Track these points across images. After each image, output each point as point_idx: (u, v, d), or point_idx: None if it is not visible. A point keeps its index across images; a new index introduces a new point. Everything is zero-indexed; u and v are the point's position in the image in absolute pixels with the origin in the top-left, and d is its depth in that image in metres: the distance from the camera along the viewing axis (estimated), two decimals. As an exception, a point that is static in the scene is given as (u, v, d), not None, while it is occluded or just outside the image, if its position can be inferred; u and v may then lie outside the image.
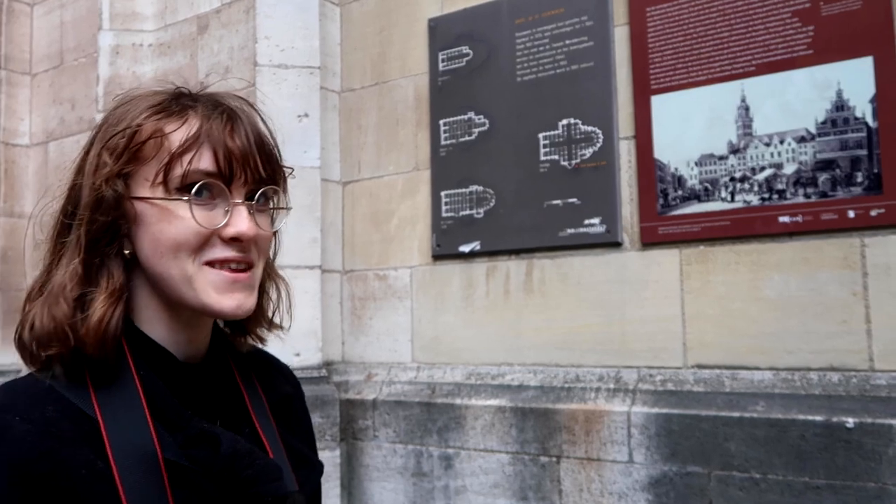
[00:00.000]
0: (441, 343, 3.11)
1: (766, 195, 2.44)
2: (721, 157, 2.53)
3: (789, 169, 2.41)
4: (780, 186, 2.42)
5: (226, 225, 0.82)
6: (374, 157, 3.37)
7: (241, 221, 0.83)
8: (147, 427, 0.78)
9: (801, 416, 2.25)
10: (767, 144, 2.45)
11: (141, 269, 0.85)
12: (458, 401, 2.90)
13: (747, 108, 2.49)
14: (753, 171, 2.47)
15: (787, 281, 2.40)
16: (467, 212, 3.05)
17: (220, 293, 0.83)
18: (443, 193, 3.12)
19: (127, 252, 0.83)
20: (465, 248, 3.04)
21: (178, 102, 0.85)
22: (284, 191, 0.93)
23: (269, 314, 0.98)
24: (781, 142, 2.43)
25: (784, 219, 2.40)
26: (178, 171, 0.81)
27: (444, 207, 3.11)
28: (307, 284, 3.14)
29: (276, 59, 3.25)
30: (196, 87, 0.90)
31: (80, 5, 4.20)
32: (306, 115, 3.26)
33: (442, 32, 3.19)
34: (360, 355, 3.33)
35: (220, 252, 0.83)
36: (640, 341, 2.64)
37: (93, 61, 3.89)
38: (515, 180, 2.93)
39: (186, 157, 0.81)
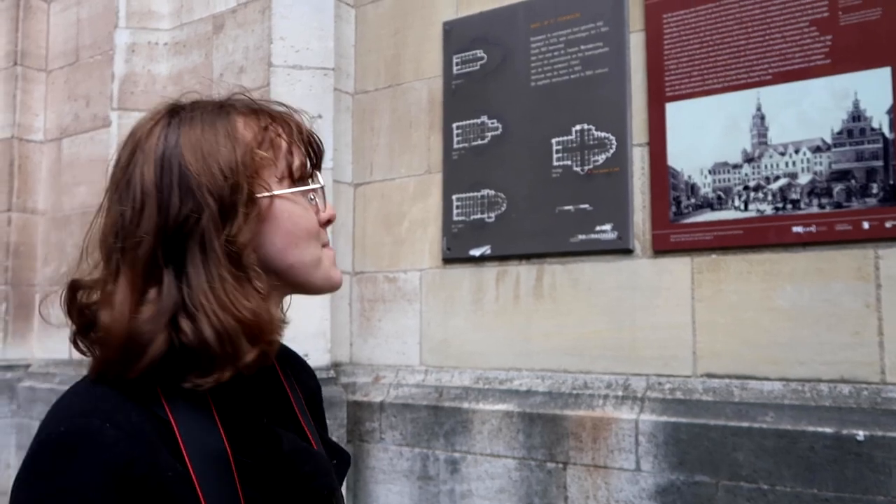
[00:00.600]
0: (450, 346, 3.10)
1: (780, 205, 2.43)
2: (735, 166, 2.51)
3: (804, 179, 2.40)
4: (794, 196, 2.41)
5: (323, 210, 0.92)
6: (386, 160, 3.37)
7: (329, 206, 0.94)
8: (216, 428, 0.79)
9: (811, 428, 2.23)
10: (782, 154, 2.44)
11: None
12: (465, 405, 2.89)
13: (763, 117, 2.48)
14: (768, 180, 2.45)
15: (799, 291, 2.38)
16: (478, 216, 3.05)
17: (334, 267, 0.93)
18: (454, 197, 3.12)
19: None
20: (476, 252, 3.03)
21: (260, 108, 0.90)
22: None
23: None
24: (796, 151, 2.42)
25: (798, 229, 2.39)
26: (297, 163, 0.88)
27: (455, 211, 3.11)
28: (317, 285, 3.14)
29: (291, 59, 3.26)
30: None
31: (96, 3, 4.23)
32: (319, 117, 3.26)
33: (457, 36, 3.19)
34: (369, 357, 3.33)
35: (324, 235, 0.92)
36: (649, 349, 2.63)
37: (108, 59, 3.92)
38: (527, 185, 2.93)
39: (298, 153, 0.89)
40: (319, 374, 3.09)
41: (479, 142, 3.08)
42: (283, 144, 0.87)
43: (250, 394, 0.87)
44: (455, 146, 3.14)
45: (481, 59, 3.11)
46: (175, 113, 0.85)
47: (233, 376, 0.82)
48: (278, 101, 0.93)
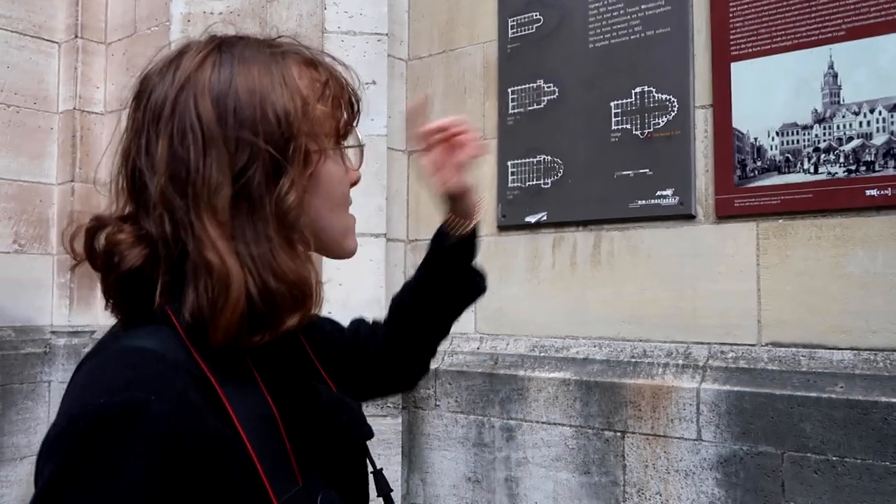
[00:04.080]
0: (505, 314, 3.08)
1: (853, 167, 2.32)
2: (805, 127, 2.41)
3: (879, 139, 2.28)
4: (868, 158, 2.30)
5: (355, 169, 0.88)
6: (440, 126, 3.33)
7: (354, 169, 0.88)
8: (260, 389, 0.75)
9: (885, 399, 2.14)
10: (856, 113, 2.32)
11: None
12: (521, 372, 2.87)
13: (835, 75, 2.36)
14: (840, 141, 2.34)
15: (872, 257, 2.28)
16: (534, 182, 2.99)
17: (353, 235, 0.88)
18: (509, 163, 3.07)
19: None
20: (532, 219, 2.99)
21: (316, 59, 0.84)
22: None
23: None
24: (871, 110, 2.30)
25: (872, 192, 2.28)
26: (344, 120, 0.83)
27: (510, 177, 3.06)
28: (372, 252, 3.14)
29: (345, 25, 3.24)
30: None
31: (152, -26, 4.26)
32: (373, 83, 3.24)
33: (512, -2, 3.12)
34: (423, 325, 3.33)
35: (350, 196, 0.87)
36: (711, 317, 2.56)
37: (164, 30, 3.95)
38: (585, 150, 2.86)
39: (346, 109, 0.83)
40: (375, 341, 3.10)
41: (535, 106, 3.01)
42: (335, 100, 0.82)
43: (280, 351, 0.82)
44: (510, 111, 3.08)
45: (537, 21, 3.04)
46: (222, 47, 0.78)
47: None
48: (326, 52, 0.88)
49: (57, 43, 4.37)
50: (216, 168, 0.72)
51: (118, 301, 0.77)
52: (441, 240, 1.12)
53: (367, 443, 0.92)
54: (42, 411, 4.04)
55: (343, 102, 0.82)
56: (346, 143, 0.84)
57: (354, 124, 0.86)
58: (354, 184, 0.87)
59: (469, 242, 1.10)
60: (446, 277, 1.11)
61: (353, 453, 0.85)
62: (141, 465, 0.64)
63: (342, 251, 0.86)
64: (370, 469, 0.91)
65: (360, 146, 0.86)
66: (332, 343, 1.03)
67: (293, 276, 0.73)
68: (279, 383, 0.78)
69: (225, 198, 0.72)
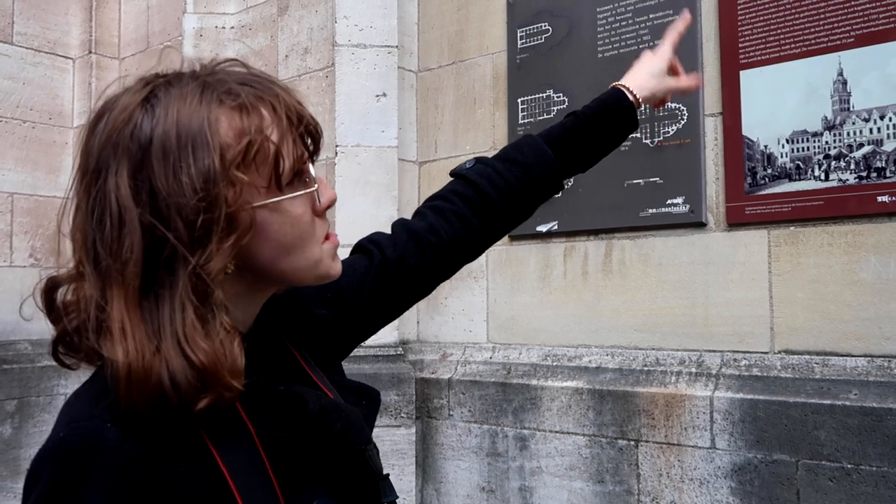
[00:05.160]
0: (517, 324, 3.08)
1: (864, 173, 2.32)
2: (815, 134, 2.41)
3: (890, 146, 2.28)
4: (879, 164, 2.30)
5: (318, 201, 0.80)
6: (450, 137, 3.36)
7: (327, 188, 0.81)
8: (233, 406, 0.73)
9: (899, 406, 2.14)
10: (866, 120, 2.32)
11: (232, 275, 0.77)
12: (534, 382, 2.88)
13: (845, 82, 2.36)
14: (850, 147, 2.35)
15: (885, 263, 2.28)
16: (545, 191, 3.00)
17: (333, 262, 0.83)
18: (520, 173, 3.08)
19: (230, 271, 0.74)
20: (543, 228, 3.00)
21: (251, 104, 0.75)
22: None
23: None
24: (882, 117, 2.30)
25: (883, 198, 2.27)
26: (287, 166, 0.75)
27: (521, 187, 3.07)
28: (384, 263, 3.15)
29: (355, 38, 3.27)
30: (276, 69, 0.81)
31: (165, -10, 4.32)
32: (384, 95, 3.26)
33: (521, 9, 3.14)
34: (436, 335, 3.34)
35: (324, 225, 0.81)
36: (724, 325, 2.56)
37: (177, 45, 3.99)
38: (595, 159, 2.87)
39: (292, 149, 0.76)
40: (387, 351, 3.13)
41: (545, 116, 3.03)
42: (272, 149, 0.74)
43: (257, 362, 0.79)
44: (520, 121, 3.10)
45: (546, 31, 3.05)
46: (151, 99, 0.73)
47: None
48: (271, 77, 0.79)
49: (71, 59, 4.43)
50: (128, 244, 0.69)
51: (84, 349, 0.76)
52: (616, 101, 1.21)
53: (379, 449, 0.91)
54: (58, 423, 4.07)
55: (283, 145, 0.75)
56: (294, 188, 0.77)
57: (306, 156, 0.79)
58: (330, 205, 0.81)
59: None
60: (611, 130, 1.21)
61: (353, 460, 0.84)
62: (101, 494, 0.65)
63: (320, 280, 0.82)
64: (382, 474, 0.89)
65: (309, 192, 0.78)
66: (350, 291, 1.03)
67: (202, 355, 0.67)
68: (256, 398, 0.76)
69: (135, 273, 0.69)
